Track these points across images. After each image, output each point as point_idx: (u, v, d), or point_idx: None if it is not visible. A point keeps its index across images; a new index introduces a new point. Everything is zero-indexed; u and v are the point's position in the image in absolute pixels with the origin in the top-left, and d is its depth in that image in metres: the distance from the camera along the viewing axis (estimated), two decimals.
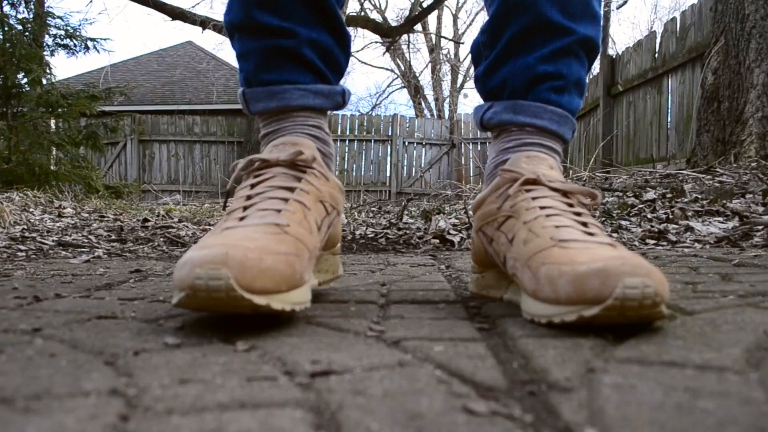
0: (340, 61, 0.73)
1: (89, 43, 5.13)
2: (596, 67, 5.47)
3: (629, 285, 0.44)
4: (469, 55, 0.80)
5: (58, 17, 4.98)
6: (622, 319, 0.46)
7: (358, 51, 16.47)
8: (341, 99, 0.73)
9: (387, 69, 19.11)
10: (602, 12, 0.71)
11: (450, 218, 2.28)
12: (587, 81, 0.72)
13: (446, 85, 16.88)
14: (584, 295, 0.47)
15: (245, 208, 0.58)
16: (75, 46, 5.09)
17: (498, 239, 0.62)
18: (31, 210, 2.70)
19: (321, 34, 0.69)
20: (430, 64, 16.54)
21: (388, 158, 8.76)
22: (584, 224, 0.57)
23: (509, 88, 0.69)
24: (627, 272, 0.45)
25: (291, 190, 0.60)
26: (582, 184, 2.75)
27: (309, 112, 0.70)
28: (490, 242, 0.65)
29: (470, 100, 18.25)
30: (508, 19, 0.68)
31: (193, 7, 8.34)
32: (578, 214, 0.58)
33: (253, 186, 0.60)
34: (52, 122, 4.93)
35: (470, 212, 0.69)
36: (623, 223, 1.88)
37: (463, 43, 15.90)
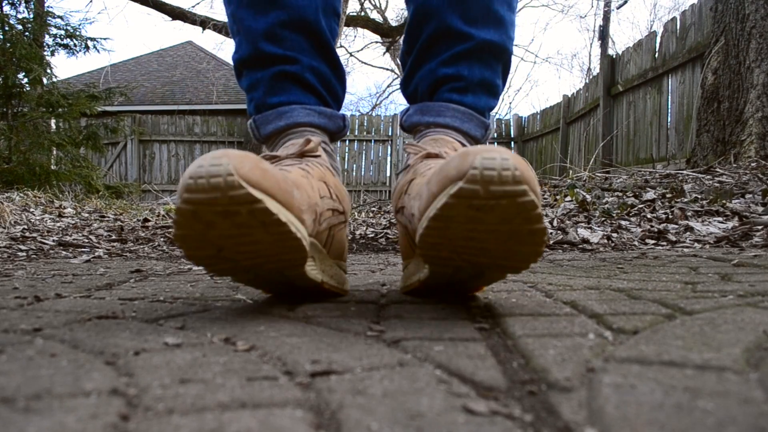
0: (337, 91, 0.79)
1: (89, 43, 5.13)
2: (596, 67, 5.46)
3: (487, 157, 0.45)
4: None
5: (58, 17, 4.98)
6: (489, 198, 0.45)
7: (358, 51, 16.44)
8: (342, 123, 0.77)
9: (387, 69, 19.13)
10: (514, 17, 0.75)
11: None
12: (499, 81, 0.76)
13: None
14: (448, 174, 0.47)
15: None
16: (75, 45, 5.10)
17: (406, 204, 0.63)
18: (31, 210, 2.70)
19: (320, 64, 0.76)
20: None
21: (388, 158, 8.76)
22: None
23: (419, 92, 0.75)
24: (485, 149, 0.46)
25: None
26: (582, 184, 2.75)
27: (315, 128, 0.74)
28: (407, 222, 0.64)
29: None
30: (420, 29, 0.74)
31: (193, 6, 8.34)
32: None
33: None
34: (53, 122, 4.94)
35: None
36: (623, 222, 1.89)
37: None
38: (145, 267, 1.18)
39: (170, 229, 2.33)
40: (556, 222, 1.97)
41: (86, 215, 2.83)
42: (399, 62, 0.81)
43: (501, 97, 0.80)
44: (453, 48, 0.71)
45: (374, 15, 13.58)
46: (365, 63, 24.95)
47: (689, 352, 0.41)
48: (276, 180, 0.50)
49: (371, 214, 3.21)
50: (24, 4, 4.83)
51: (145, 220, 2.70)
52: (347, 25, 8.71)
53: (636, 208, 2.09)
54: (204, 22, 7.75)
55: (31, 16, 4.88)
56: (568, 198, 2.40)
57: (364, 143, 8.79)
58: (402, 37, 0.80)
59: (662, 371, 0.37)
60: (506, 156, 0.45)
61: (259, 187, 0.47)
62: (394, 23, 11.17)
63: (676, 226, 1.74)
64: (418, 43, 0.74)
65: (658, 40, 4.48)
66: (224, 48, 14.17)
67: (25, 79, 4.54)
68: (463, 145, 0.73)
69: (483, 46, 0.71)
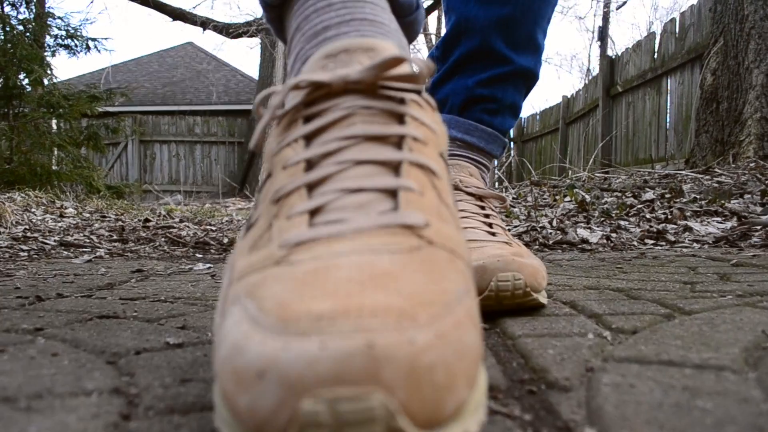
0: None
1: (90, 43, 5.14)
2: (596, 68, 5.47)
3: (501, 279, 0.54)
4: None
5: (59, 18, 4.99)
6: (502, 306, 0.56)
7: None
8: None
9: None
10: (544, 44, 0.78)
11: None
12: (523, 103, 0.80)
13: None
14: None
15: (311, 188, 0.29)
16: (76, 46, 5.11)
17: None
18: (32, 210, 2.70)
19: None
20: None
21: None
22: (490, 225, 0.66)
23: (450, 103, 0.76)
24: (500, 268, 0.55)
25: (393, 142, 0.31)
26: (581, 184, 2.76)
27: None
28: None
29: None
30: (458, 41, 0.74)
31: (193, 8, 8.36)
32: (487, 216, 0.68)
33: (309, 138, 0.32)
34: (54, 123, 4.95)
35: None
36: (622, 223, 1.89)
37: None
38: (146, 267, 1.18)
39: (171, 230, 2.33)
40: (555, 222, 1.97)
41: (87, 215, 2.83)
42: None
43: None
44: (492, 69, 0.73)
45: None
46: None
47: (688, 351, 0.41)
48: (468, 361, 0.22)
49: None
50: (25, 5, 4.84)
51: (146, 220, 2.70)
52: None
53: (635, 209, 2.09)
54: (204, 23, 7.77)
55: (32, 16, 4.88)
56: (568, 198, 2.41)
57: None
58: (437, 43, 0.80)
59: (661, 371, 0.37)
60: (519, 276, 0.54)
61: (438, 419, 0.21)
62: None
63: (675, 226, 1.75)
64: (455, 54, 0.74)
65: (658, 40, 4.49)
66: (224, 49, 14.18)
67: (26, 80, 4.55)
68: (480, 163, 0.76)
69: (519, 71, 0.73)
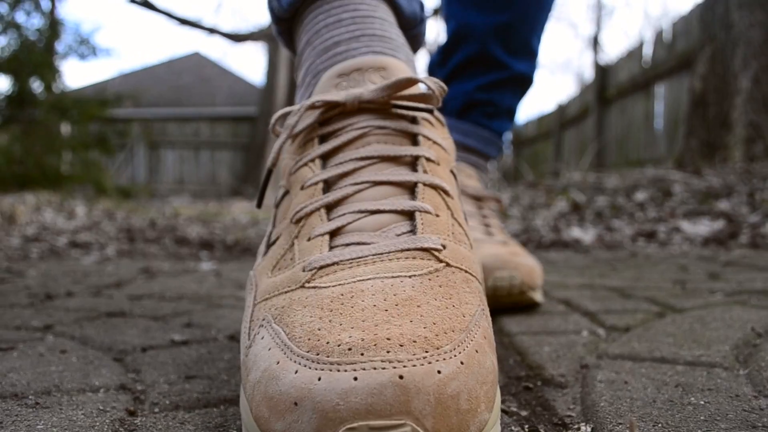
0: None
1: (100, 50, 5.17)
2: (588, 74, 5.50)
3: (498, 277, 0.56)
4: None
5: (71, 25, 5.01)
6: (499, 304, 0.57)
7: None
8: (419, 9, 0.44)
9: None
10: (539, 50, 0.80)
11: None
12: (519, 107, 0.82)
13: None
14: None
15: (329, 208, 0.31)
16: (86, 52, 5.13)
17: None
18: (44, 211, 2.69)
19: None
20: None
21: None
22: (487, 225, 0.68)
23: (449, 107, 0.77)
24: (498, 267, 0.56)
25: (407, 163, 0.32)
26: (575, 187, 2.78)
27: None
28: None
29: None
30: (458, 47, 0.76)
31: (200, 20, 8.41)
32: (485, 216, 0.69)
33: (325, 158, 0.33)
34: (64, 126, 4.95)
35: None
36: (615, 223, 1.91)
37: None
38: (152, 266, 1.18)
39: (177, 230, 2.33)
40: (551, 222, 1.99)
41: (96, 216, 2.82)
42: (427, 70, 0.86)
43: None
44: (490, 75, 0.75)
45: None
46: None
47: (680, 348, 0.42)
48: (486, 388, 0.23)
49: None
50: (41, 14, 4.83)
51: (153, 220, 2.70)
52: None
53: (627, 209, 2.11)
54: (211, 30, 7.85)
55: (45, 24, 4.87)
56: (562, 199, 2.43)
57: None
58: (437, 48, 0.81)
59: (654, 368, 0.38)
60: (515, 275, 0.56)
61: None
62: None
63: (666, 226, 1.77)
64: (455, 60, 0.76)
65: (649, 47, 4.54)
66: (230, 56, 14.11)
67: (37, 85, 4.56)
68: (479, 165, 0.77)
69: (517, 77, 0.76)
